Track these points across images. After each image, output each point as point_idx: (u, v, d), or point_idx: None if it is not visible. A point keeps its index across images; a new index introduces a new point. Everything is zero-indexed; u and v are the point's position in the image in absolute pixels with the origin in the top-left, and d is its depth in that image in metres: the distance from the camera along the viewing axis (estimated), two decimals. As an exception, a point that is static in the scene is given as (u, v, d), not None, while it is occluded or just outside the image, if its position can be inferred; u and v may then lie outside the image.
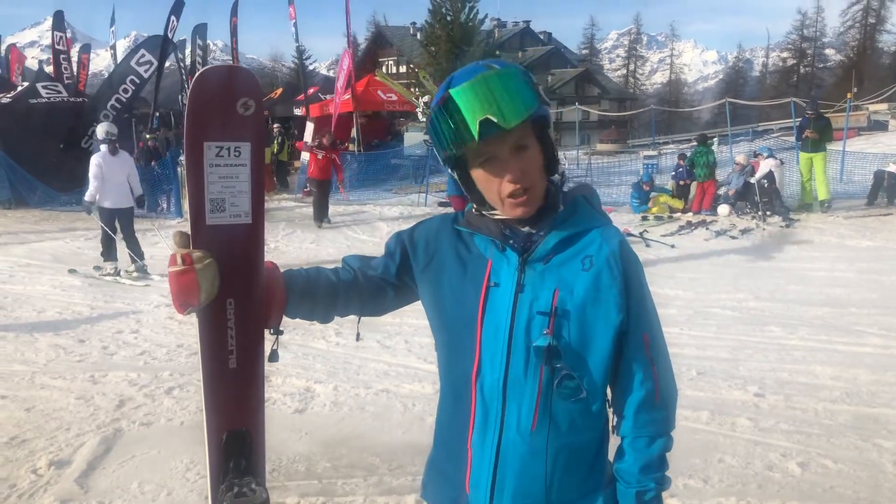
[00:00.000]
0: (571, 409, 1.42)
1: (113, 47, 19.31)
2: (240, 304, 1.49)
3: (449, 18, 20.18)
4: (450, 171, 1.47)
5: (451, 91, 1.36)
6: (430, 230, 1.57)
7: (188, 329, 6.21)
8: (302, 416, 4.48)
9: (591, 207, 1.51)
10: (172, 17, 17.71)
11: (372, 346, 5.77)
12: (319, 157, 13.30)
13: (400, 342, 5.85)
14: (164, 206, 15.12)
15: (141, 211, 14.71)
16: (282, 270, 1.58)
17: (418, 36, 43.74)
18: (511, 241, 1.45)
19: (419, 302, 1.63)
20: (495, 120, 1.32)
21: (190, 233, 1.45)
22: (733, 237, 11.13)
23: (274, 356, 1.58)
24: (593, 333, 1.41)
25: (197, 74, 1.44)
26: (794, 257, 9.62)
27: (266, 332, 1.56)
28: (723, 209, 12.99)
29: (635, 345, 1.45)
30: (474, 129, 1.33)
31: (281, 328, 1.57)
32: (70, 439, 4.12)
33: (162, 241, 10.43)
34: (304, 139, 12.85)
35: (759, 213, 12.31)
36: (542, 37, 61.99)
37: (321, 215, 13.28)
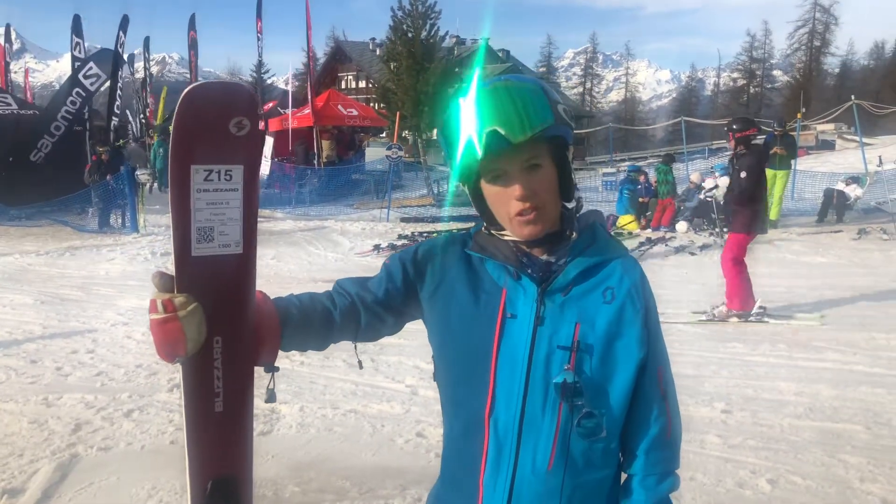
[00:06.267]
0: (589, 447, 1.35)
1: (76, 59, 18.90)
2: (228, 343, 1.36)
3: (410, 35, 20.18)
4: (461, 184, 1.41)
5: (477, 90, 1.31)
6: (435, 252, 1.46)
7: (147, 349, 6.02)
8: (267, 439, 4.35)
9: (609, 235, 1.46)
10: (120, 33, 18.23)
11: (337, 364, 5.67)
12: None
13: (366, 360, 5.75)
14: (119, 221, 14.76)
15: (94, 228, 14.32)
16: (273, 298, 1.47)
17: (378, 52, 43.74)
18: (528, 270, 1.37)
19: None
20: (502, 132, 1.27)
21: (174, 266, 1.30)
22: (692, 253, 11.31)
23: (271, 396, 1.47)
24: (615, 369, 1.36)
25: (184, 92, 1.30)
26: (751, 273, 9.79)
27: (259, 369, 1.43)
28: (681, 226, 13.23)
29: (651, 379, 1.40)
30: (481, 140, 1.28)
31: (276, 364, 1.44)
32: (23, 466, 3.93)
33: (118, 257, 10.16)
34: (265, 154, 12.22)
35: (717, 229, 12.55)
36: (500, 54, 62.66)
37: None
